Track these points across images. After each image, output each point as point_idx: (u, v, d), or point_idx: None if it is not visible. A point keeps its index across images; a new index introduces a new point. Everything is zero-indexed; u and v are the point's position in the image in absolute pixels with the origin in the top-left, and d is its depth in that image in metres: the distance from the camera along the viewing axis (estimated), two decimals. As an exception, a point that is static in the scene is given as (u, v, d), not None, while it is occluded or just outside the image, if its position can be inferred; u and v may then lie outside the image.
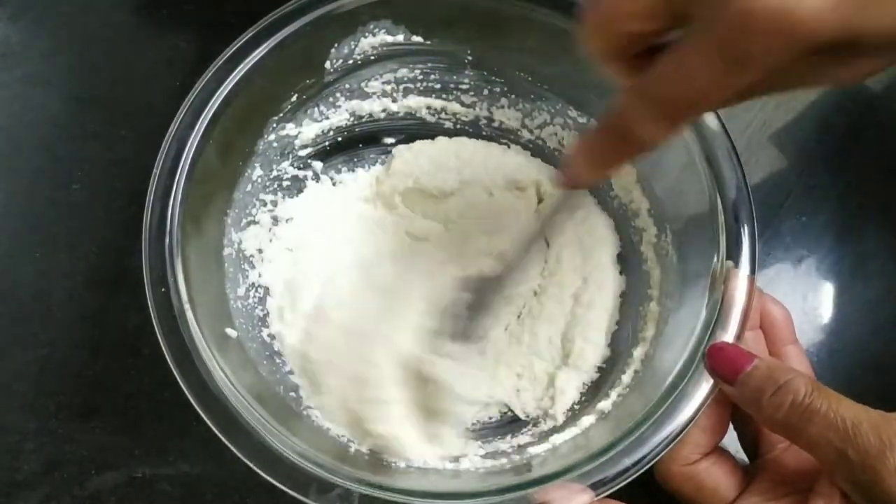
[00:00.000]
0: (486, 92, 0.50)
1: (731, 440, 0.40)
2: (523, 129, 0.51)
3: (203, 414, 0.35)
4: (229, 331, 0.41)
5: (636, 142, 0.29)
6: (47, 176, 0.52)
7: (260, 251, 0.47)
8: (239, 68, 0.41)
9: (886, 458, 0.30)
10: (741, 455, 0.40)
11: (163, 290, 0.37)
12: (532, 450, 0.41)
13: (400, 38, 0.46)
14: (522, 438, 0.43)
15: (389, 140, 0.51)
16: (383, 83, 0.49)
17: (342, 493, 0.34)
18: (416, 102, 0.50)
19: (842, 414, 0.32)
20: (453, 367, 0.42)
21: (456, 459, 0.41)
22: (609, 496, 0.34)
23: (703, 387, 0.36)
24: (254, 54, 0.41)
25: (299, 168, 0.49)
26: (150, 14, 0.57)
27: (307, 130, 0.48)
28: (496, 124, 0.51)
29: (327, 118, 0.48)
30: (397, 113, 0.50)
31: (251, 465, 0.34)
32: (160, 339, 0.36)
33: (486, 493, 0.35)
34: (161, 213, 0.38)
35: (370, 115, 0.50)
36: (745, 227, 0.38)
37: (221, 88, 0.41)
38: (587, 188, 0.35)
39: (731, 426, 0.40)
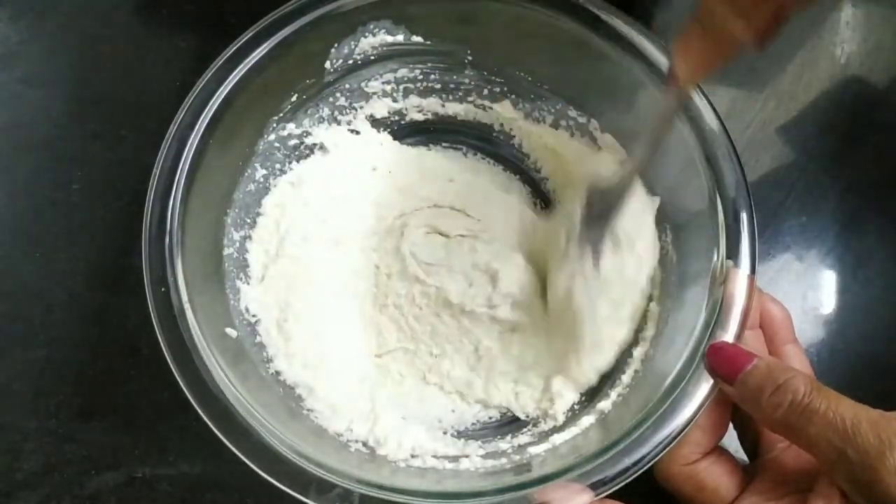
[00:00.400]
0: (486, 92, 0.50)
1: (730, 440, 0.40)
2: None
3: (203, 414, 0.35)
4: (229, 330, 0.41)
5: (727, 40, 0.31)
6: (47, 176, 0.52)
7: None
8: (239, 68, 0.41)
9: (886, 457, 0.30)
10: (741, 455, 0.40)
11: (163, 289, 0.37)
12: (532, 450, 0.40)
13: (400, 38, 0.46)
14: (522, 438, 0.43)
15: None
16: (383, 83, 0.49)
17: (342, 493, 0.34)
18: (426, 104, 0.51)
19: (841, 413, 0.32)
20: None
21: (456, 459, 0.41)
22: (609, 496, 0.34)
23: (703, 387, 0.36)
24: (254, 54, 0.41)
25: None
26: (150, 14, 0.57)
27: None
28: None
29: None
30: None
31: (251, 464, 0.34)
32: (160, 339, 0.36)
33: (487, 493, 0.35)
34: (161, 212, 0.38)
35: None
36: (745, 227, 0.38)
37: (221, 88, 0.41)
38: (694, 86, 0.36)
39: (730, 426, 0.40)
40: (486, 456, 0.42)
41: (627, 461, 0.34)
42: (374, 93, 0.49)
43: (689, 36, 0.33)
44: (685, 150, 0.41)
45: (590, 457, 0.35)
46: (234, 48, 0.41)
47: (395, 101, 0.50)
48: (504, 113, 0.50)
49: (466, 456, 0.41)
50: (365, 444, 0.42)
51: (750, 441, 0.39)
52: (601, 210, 0.42)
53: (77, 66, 0.56)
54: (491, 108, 0.50)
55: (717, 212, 0.39)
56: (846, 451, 0.31)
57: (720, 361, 0.35)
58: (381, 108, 0.50)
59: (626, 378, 0.42)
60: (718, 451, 0.38)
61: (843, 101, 0.56)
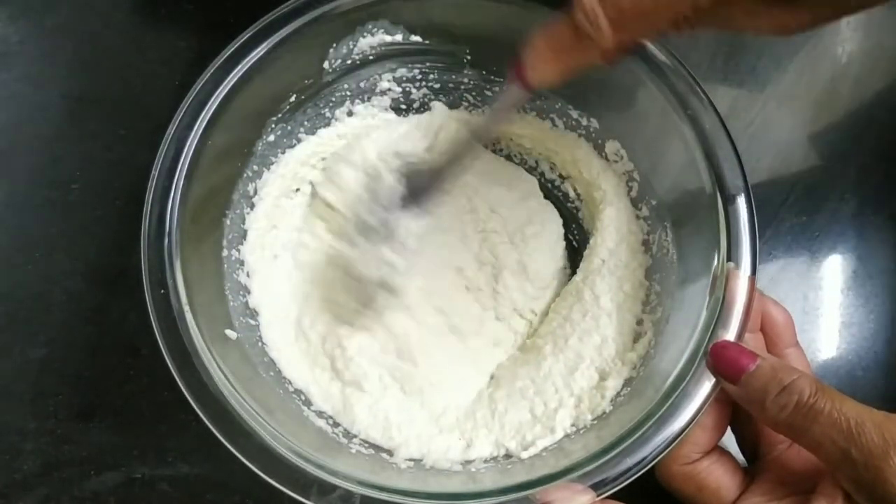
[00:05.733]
0: (486, 92, 0.50)
1: (731, 441, 0.40)
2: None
3: (202, 415, 0.35)
4: (229, 332, 0.41)
5: (591, 46, 0.32)
6: (47, 176, 0.52)
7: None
8: (237, 68, 0.41)
9: (890, 457, 0.30)
10: (741, 455, 0.40)
11: (162, 290, 0.37)
12: (534, 450, 0.41)
13: (398, 37, 0.46)
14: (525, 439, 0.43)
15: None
16: (382, 83, 0.49)
17: (343, 495, 0.34)
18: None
19: (845, 414, 0.32)
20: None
21: (457, 460, 0.41)
22: (610, 496, 0.34)
23: (705, 387, 0.36)
24: (252, 54, 0.41)
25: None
26: (150, 14, 0.57)
27: None
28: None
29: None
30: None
31: (252, 466, 0.34)
32: (159, 341, 0.36)
33: (487, 494, 0.35)
34: (160, 213, 0.38)
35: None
36: (746, 227, 0.38)
37: (220, 88, 0.41)
38: (536, 89, 0.36)
39: (729, 428, 0.40)
40: (487, 457, 0.42)
41: (629, 461, 0.34)
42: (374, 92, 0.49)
43: (557, 35, 0.33)
44: (685, 150, 0.41)
45: (591, 457, 0.35)
46: (233, 48, 0.41)
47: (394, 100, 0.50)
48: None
49: (469, 460, 0.42)
50: (366, 446, 0.42)
51: (749, 442, 0.39)
52: (415, 190, 0.43)
53: (76, 65, 0.56)
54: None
55: (718, 212, 0.39)
56: (850, 451, 0.31)
57: (723, 361, 0.35)
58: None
59: (626, 378, 0.42)
60: (719, 451, 0.38)
61: (844, 100, 0.56)
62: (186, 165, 0.39)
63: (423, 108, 0.51)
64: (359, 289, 0.44)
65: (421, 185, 0.43)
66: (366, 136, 0.49)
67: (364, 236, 0.44)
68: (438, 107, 0.50)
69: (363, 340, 0.45)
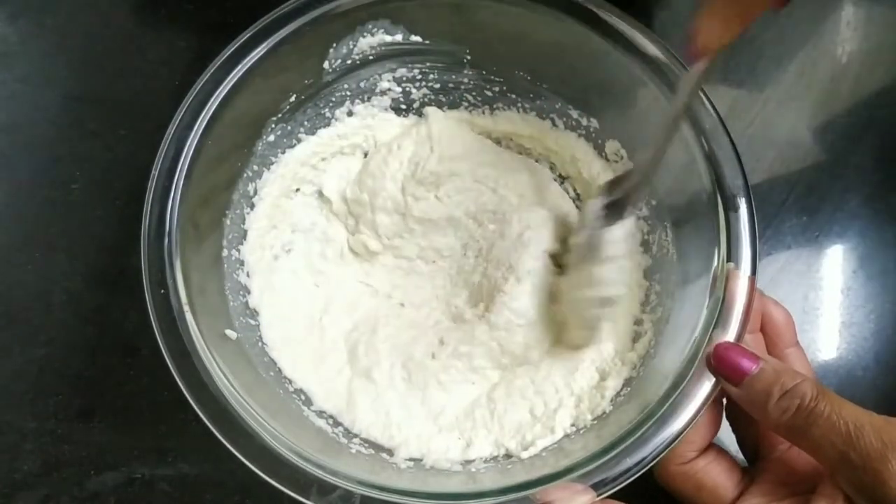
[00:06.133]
0: (486, 92, 0.50)
1: (731, 442, 0.40)
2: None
3: (202, 415, 0.35)
4: (229, 332, 0.41)
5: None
6: (47, 176, 0.52)
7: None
8: (237, 68, 0.41)
9: (888, 461, 0.30)
10: (741, 456, 0.40)
11: (162, 290, 0.37)
12: (534, 450, 0.41)
13: (398, 37, 0.46)
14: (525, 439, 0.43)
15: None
16: (382, 83, 0.49)
17: (343, 495, 0.34)
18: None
19: (845, 417, 0.32)
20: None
21: (458, 460, 0.41)
22: (610, 496, 0.34)
23: (705, 387, 0.36)
24: (252, 54, 0.41)
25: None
26: (150, 14, 0.57)
27: None
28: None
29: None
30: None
31: (252, 466, 0.34)
32: (159, 341, 0.36)
33: (487, 493, 0.35)
34: (160, 213, 0.38)
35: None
36: (746, 227, 0.38)
37: (220, 88, 0.41)
38: (716, 53, 0.36)
39: (729, 428, 0.40)
40: (487, 456, 0.42)
41: (629, 461, 0.34)
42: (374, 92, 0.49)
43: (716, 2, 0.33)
44: (685, 150, 0.41)
45: (591, 457, 0.35)
46: (233, 48, 0.41)
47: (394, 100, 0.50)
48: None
49: (469, 460, 0.42)
50: (366, 446, 0.42)
51: (750, 444, 0.39)
52: (615, 206, 0.42)
53: (76, 65, 0.56)
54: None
55: (718, 212, 0.39)
56: (849, 454, 0.31)
57: (725, 363, 0.35)
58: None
59: (626, 378, 0.42)
60: (717, 450, 0.38)
61: (844, 100, 0.56)
62: (186, 165, 0.39)
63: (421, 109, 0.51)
64: (582, 313, 0.44)
65: (619, 198, 0.42)
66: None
67: (575, 262, 0.44)
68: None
69: (393, 330, 0.46)
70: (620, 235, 0.42)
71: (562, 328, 0.46)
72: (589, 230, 0.43)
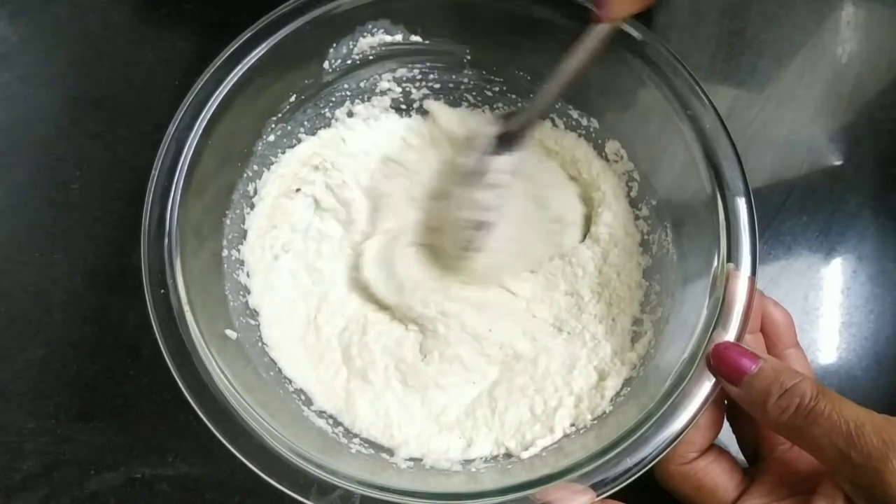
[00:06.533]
0: (486, 92, 0.50)
1: (731, 442, 0.40)
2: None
3: (202, 415, 0.35)
4: (229, 332, 0.41)
5: None
6: (47, 176, 0.52)
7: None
8: (237, 68, 0.41)
9: (889, 460, 0.30)
10: (741, 457, 0.40)
11: (162, 290, 0.37)
12: (533, 450, 0.41)
13: (398, 37, 0.46)
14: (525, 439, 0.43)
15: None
16: (382, 83, 0.49)
17: (343, 495, 0.34)
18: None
19: (845, 417, 0.32)
20: None
21: (458, 460, 0.41)
22: (610, 496, 0.34)
23: (705, 387, 0.35)
24: (252, 54, 0.41)
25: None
26: (150, 14, 0.57)
27: None
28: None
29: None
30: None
31: (252, 466, 0.34)
32: (159, 341, 0.36)
33: (487, 493, 0.35)
34: (160, 213, 0.38)
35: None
36: (746, 227, 0.38)
37: (220, 88, 0.41)
38: (621, 20, 0.38)
39: (729, 428, 0.40)
40: (486, 456, 0.42)
41: (629, 461, 0.34)
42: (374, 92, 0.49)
43: None
44: (685, 150, 0.41)
45: (591, 457, 0.35)
46: (233, 48, 0.41)
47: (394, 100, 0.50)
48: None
49: (469, 459, 0.41)
50: (366, 446, 0.42)
51: (750, 444, 0.39)
52: (506, 137, 0.45)
53: (76, 65, 0.56)
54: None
55: (718, 212, 0.39)
56: (849, 453, 0.31)
57: (725, 363, 0.35)
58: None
59: (626, 378, 0.42)
60: (717, 450, 0.38)
61: (844, 100, 0.56)
62: (186, 165, 0.39)
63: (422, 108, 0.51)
64: (457, 234, 0.46)
65: (512, 130, 0.45)
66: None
67: (459, 183, 0.46)
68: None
69: (383, 328, 0.46)
70: (507, 166, 0.45)
71: (445, 257, 0.48)
72: (478, 155, 0.45)
